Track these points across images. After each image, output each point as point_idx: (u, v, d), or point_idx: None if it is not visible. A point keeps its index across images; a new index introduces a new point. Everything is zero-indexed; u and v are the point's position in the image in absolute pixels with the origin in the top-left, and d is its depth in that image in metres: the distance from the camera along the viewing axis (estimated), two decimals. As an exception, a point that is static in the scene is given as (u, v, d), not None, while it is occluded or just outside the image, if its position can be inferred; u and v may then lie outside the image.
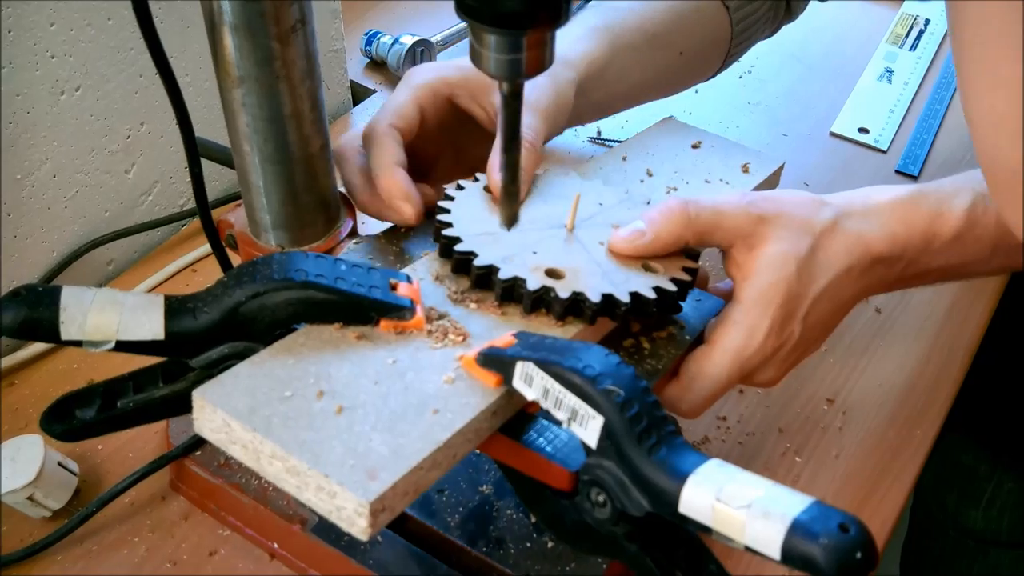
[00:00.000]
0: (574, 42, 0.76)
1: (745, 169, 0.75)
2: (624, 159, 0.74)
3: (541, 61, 0.50)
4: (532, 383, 0.49)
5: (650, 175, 0.72)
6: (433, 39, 1.13)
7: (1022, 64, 0.48)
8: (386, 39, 1.13)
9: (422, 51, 1.12)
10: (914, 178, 1.03)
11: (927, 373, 0.84)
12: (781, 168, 0.76)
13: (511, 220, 0.56)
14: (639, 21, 0.80)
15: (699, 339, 0.62)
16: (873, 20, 1.28)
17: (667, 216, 0.60)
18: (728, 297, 0.63)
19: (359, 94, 1.12)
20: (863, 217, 0.62)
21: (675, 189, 0.71)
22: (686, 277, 0.59)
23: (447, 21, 1.18)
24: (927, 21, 1.28)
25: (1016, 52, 0.48)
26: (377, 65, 1.16)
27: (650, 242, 0.60)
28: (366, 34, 1.16)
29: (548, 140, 0.70)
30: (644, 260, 0.60)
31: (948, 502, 1.12)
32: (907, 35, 1.26)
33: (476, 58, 0.51)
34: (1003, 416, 1.08)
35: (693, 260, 0.61)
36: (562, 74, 0.72)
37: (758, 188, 0.74)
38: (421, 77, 0.68)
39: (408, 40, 1.11)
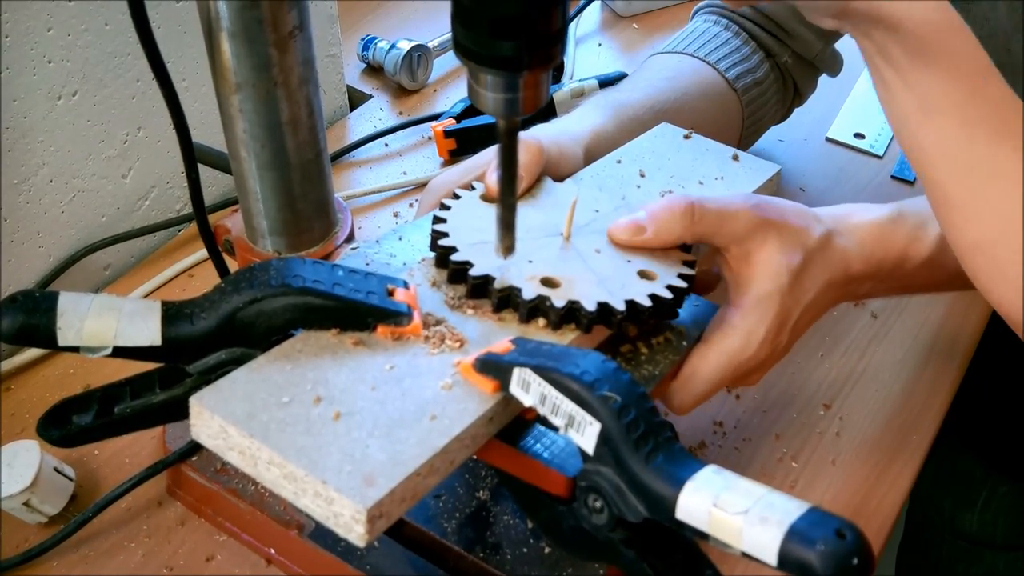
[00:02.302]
0: (579, 119, 0.78)
1: (735, 157, 0.76)
2: (619, 162, 0.74)
3: (537, 100, 0.52)
4: (529, 389, 0.49)
5: (643, 176, 0.72)
6: (430, 44, 1.14)
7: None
8: (383, 44, 1.13)
9: (419, 56, 1.12)
10: (910, 183, 1.03)
11: (923, 378, 0.84)
12: (777, 174, 0.76)
13: (508, 250, 0.57)
14: (644, 99, 0.83)
15: (696, 343, 0.62)
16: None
17: (671, 214, 0.61)
18: (714, 280, 0.65)
19: (356, 99, 1.12)
20: (848, 236, 0.65)
21: (670, 192, 0.71)
22: (682, 284, 0.60)
23: (443, 26, 1.18)
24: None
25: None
26: (374, 70, 1.16)
27: (649, 239, 0.61)
28: (363, 39, 1.16)
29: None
30: (640, 258, 0.61)
31: (944, 505, 1.13)
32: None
33: (474, 96, 0.52)
34: (998, 419, 1.08)
35: (690, 267, 0.61)
36: (568, 136, 0.74)
37: (756, 192, 0.74)
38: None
39: (405, 45, 1.11)
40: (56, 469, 0.68)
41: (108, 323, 0.51)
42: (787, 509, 0.42)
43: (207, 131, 0.91)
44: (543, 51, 0.49)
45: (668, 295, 0.59)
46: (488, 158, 0.70)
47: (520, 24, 0.47)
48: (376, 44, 1.14)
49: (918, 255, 0.66)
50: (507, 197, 0.56)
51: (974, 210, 0.58)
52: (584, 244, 0.62)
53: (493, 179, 0.61)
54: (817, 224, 0.63)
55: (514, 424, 0.54)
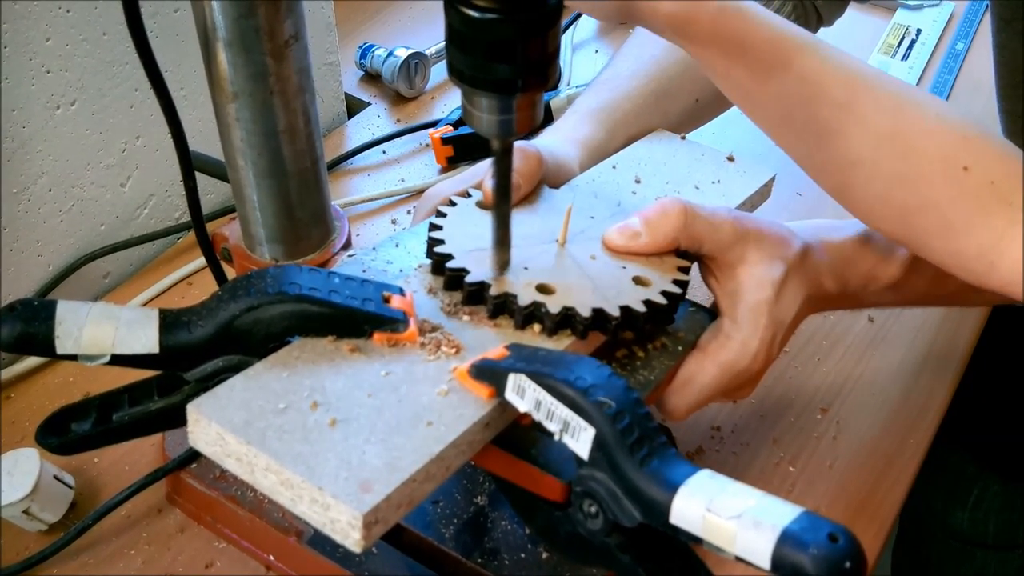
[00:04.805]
0: (575, 126, 0.78)
1: (730, 158, 0.76)
2: (614, 168, 0.74)
3: (532, 120, 0.53)
4: (524, 395, 0.50)
5: (638, 182, 0.73)
6: (427, 52, 1.14)
7: None
8: (380, 52, 1.14)
9: (416, 63, 1.12)
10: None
11: (921, 382, 0.84)
12: (773, 179, 0.77)
13: (503, 267, 0.58)
14: (641, 84, 0.80)
15: (692, 349, 0.63)
16: (865, 30, 1.29)
17: (665, 217, 0.61)
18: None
19: (354, 107, 1.13)
20: (820, 254, 0.65)
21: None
22: (677, 290, 0.60)
23: (440, 35, 1.18)
24: (918, 31, 1.29)
25: None
26: (372, 78, 1.17)
27: (645, 243, 0.62)
28: (361, 47, 1.16)
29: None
30: (635, 264, 0.61)
31: (935, 503, 1.13)
32: (899, 45, 1.26)
33: (468, 118, 0.53)
34: (990, 418, 1.08)
35: (684, 273, 0.62)
36: (563, 149, 0.74)
37: (751, 197, 0.74)
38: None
39: (402, 53, 1.12)
40: (56, 477, 0.68)
41: (106, 331, 0.51)
42: (780, 513, 0.43)
43: (205, 139, 0.91)
44: (537, 73, 0.49)
45: (663, 301, 0.59)
46: (485, 169, 0.70)
47: (514, 48, 0.48)
48: (374, 52, 1.14)
49: (885, 277, 0.67)
50: (502, 214, 0.57)
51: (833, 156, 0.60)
52: (579, 250, 0.62)
53: (490, 184, 0.61)
54: (795, 238, 0.64)
55: (510, 430, 0.54)
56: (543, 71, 0.49)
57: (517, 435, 0.54)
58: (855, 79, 0.58)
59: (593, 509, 0.49)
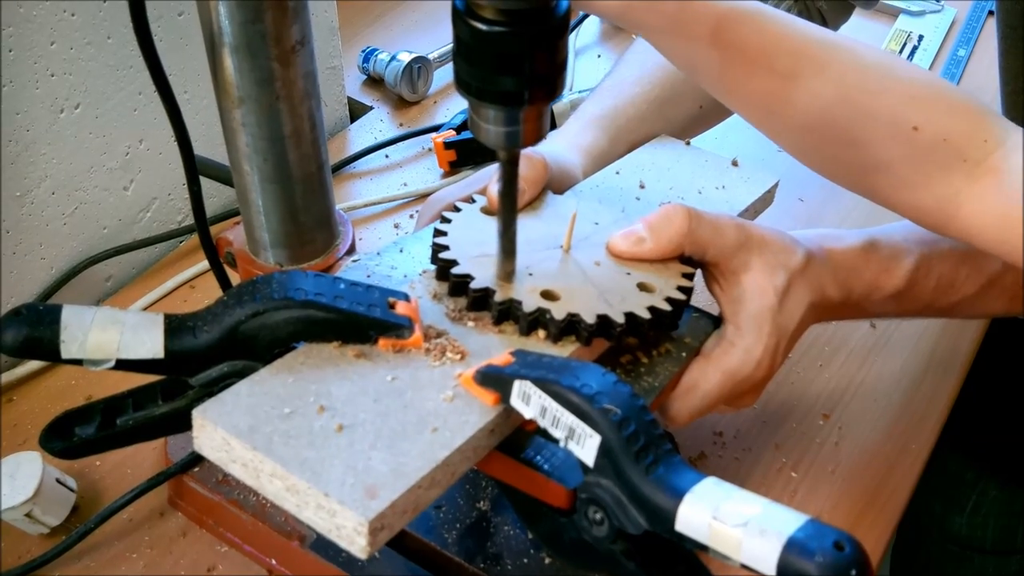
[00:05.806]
0: (579, 132, 0.78)
1: (734, 163, 0.76)
2: (618, 174, 0.74)
3: (539, 132, 0.53)
4: (530, 401, 0.50)
5: (642, 187, 0.73)
6: (430, 56, 1.14)
7: None
8: (383, 56, 1.14)
9: (419, 68, 1.13)
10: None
11: (923, 388, 0.84)
12: (776, 185, 0.77)
13: (508, 276, 0.58)
14: (644, 90, 0.81)
15: (696, 355, 0.63)
16: (867, 36, 1.29)
17: (669, 223, 0.61)
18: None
19: (356, 111, 1.13)
20: (823, 262, 0.65)
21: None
22: (681, 296, 0.60)
23: (444, 38, 1.19)
24: (920, 37, 1.29)
25: None
26: (374, 82, 1.17)
27: (650, 251, 0.62)
28: (363, 51, 1.16)
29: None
30: (639, 270, 0.61)
31: (934, 507, 1.13)
32: (901, 51, 1.27)
33: (475, 129, 0.53)
34: (989, 423, 1.08)
35: (688, 279, 0.62)
36: (567, 155, 0.74)
37: (754, 204, 0.74)
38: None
39: (405, 57, 1.12)
40: (58, 480, 0.69)
41: (111, 336, 0.51)
42: (786, 521, 0.43)
43: (209, 143, 0.91)
44: (544, 86, 0.49)
45: (667, 307, 0.59)
46: (488, 175, 0.70)
47: (521, 61, 0.48)
48: (376, 56, 1.14)
49: (888, 286, 0.67)
50: (507, 224, 0.57)
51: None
52: (584, 257, 0.62)
53: (495, 190, 0.61)
54: (798, 246, 0.64)
55: (515, 436, 0.54)
56: (550, 83, 0.50)
57: (522, 441, 0.55)
58: (800, 47, 0.58)
59: (598, 516, 0.49)
